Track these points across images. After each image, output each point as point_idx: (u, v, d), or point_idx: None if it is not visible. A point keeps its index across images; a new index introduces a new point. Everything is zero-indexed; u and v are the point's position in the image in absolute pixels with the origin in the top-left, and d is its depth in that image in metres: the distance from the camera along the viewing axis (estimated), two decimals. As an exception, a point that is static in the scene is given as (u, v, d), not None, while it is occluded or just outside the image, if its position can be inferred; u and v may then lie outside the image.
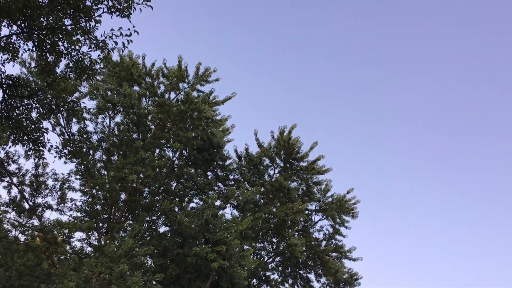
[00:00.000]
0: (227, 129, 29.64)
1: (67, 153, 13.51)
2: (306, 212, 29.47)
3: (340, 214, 29.46)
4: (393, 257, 77.31)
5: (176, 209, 25.40)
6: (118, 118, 26.54)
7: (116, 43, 10.66)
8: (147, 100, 26.65)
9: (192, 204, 27.79)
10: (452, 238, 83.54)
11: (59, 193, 25.29)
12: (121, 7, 10.53)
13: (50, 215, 50.23)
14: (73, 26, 10.71)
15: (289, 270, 28.50)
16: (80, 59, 11.17)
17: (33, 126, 12.08)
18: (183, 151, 28.11)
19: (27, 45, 11.10)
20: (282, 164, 29.81)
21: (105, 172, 24.80)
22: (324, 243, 29.36)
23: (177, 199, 26.77)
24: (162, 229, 26.64)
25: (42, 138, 12.23)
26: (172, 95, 26.64)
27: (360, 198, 29.93)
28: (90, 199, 24.18)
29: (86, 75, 11.63)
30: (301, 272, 28.61)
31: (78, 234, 26.44)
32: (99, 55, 11.08)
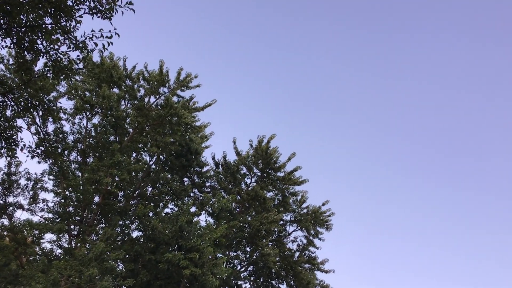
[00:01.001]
0: (206, 136, 29.56)
1: (40, 152, 13.24)
2: (281, 222, 29.52)
3: (315, 226, 29.57)
4: (365, 270, 77.87)
5: (151, 214, 25.13)
6: (95, 120, 26.24)
7: (96, 44, 10.56)
8: (126, 103, 26.42)
9: (167, 210, 27.57)
10: (425, 253, 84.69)
11: (31, 193, 24.87)
12: (103, 8, 10.45)
13: (21, 215, 49.19)
14: (53, 25, 10.58)
15: (262, 280, 28.42)
16: (59, 58, 11.01)
17: (7, 124, 11.87)
18: (160, 156, 27.90)
19: (5, 41, 10.92)
20: (259, 174, 29.85)
21: (80, 174, 24.47)
22: (297, 254, 29.39)
23: (152, 204, 26.47)
24: (135, 234, 26.41)
25: (15, 136, 12.01)
26: (152, 99, 26.50)
27: (335, 210, 30.14)
28: (62, 201, 23.78)
29: (64, 75, 11.47)
30: (273, 282, 28.54)
31: (49, 236, 25.95)
32: (78, 56, 10.96)
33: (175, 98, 26.61)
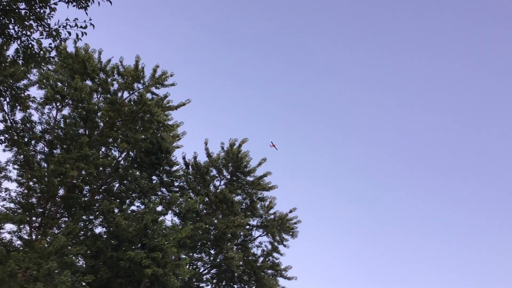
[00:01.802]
0: (178, 135, 29.29)
1: (4, 140, 12.87)
2: (247, 226, 29.47)
3: (281, 232, 29.61)
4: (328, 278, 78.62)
5: (116, 210, 24.76)
6: (65, 111, 25.74)
7: (69, 33, 10.35)
8: (98, 96, 25.99)
9: (133, 207, 27.13)
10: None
11: (-7, 181, 24.14)
12: (79, -2, 10.26)
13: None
14: (27, 11, 10.34)
15: (224, 283, 28.30)
16: (30, 45, 10.76)
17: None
18: (130, 152, 27.55)
19: (-25, 23, 10.61)
20: (228, 177, 29.76)
21: (45, 165, 23.93)
22: (261, 259, 29.37)
23: (118, 200, 26.10)
24: (98, 230, 25.92)
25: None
26: (126, 94, 26.17)
27: (302, 218, 30.26)
28: (26, 191, 23.24)
29: (35, 62, 11.21)
30: (236, 286, 28.47)
31: (9, 226, 25.33)
32: (50, 44, 10.72)
33: (149, 95, 26.32)
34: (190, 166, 29.78)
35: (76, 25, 10.27)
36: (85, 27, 10.30)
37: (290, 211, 30.03)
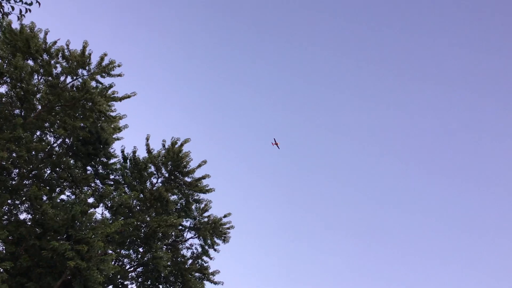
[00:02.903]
0: (119, 128, 28.56)
1: None
2: (180, 227, 29.15)
3: (213, 236, 29.47)
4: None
5: (44, 198, 23.85)
6: (2, 89, 24.57)
7: (13, 8, 9.90)
8: (39, 78, 24.98)
9: (62, 196, 26.18)
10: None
11: None
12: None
13: None
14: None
15: (149, 282, 27.74)
16: (-31, 15, 10.20)
17: None
18: (66, 140, 26.62)
19: None
20: (167, 175, 29.35)
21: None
22: (190, 261, 29.08)
23: (47, 187, 25.07)
24: (23, 216, 24.78)
25: None
26: (69, 79, 25.32)
27: (236, 225, 30.24)
28: None
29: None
30: (161, 286, 27.97)
31: None
32: (-9, 16, 10.20)
33: (93, 83, 25.59)
34: (128, 161, 29.11)
35: (21, 0, 9.83)
36: (31, 3, 9.89)
37: (225, 216, 29.95)
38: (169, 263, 27.05)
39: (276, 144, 71.31)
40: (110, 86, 25.88)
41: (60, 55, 24.87)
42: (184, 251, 29.81)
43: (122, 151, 29.06)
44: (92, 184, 27.62)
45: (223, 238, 29.67)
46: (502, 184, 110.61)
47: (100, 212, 26.45)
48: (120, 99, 26.58)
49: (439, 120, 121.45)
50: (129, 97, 26.77)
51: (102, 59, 25.35)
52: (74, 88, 25.09)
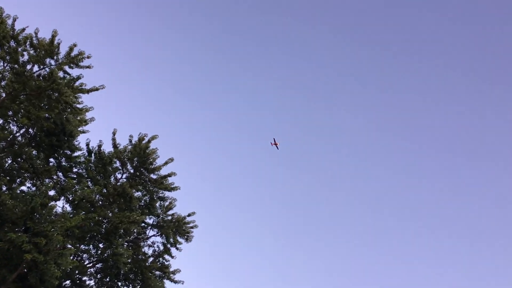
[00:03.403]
0: (85, 120, 27.98)
1: None
2: (142, 224, 28.81)
3: (175, 235, 29.23)
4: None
5: (4, 188, 23.20)
6: (-35, 74, 23.80)
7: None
8: (4, 65, 24.30)
9: (23, 188, 25.53)
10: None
11: None
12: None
13: None
14: None
15: (108, 279, 27.32)
16: None
17: None
18: (30, 130, 25.95)
19: None
20: (132, 171, 28.95)
21: None
22: (151, 259, 28.76)
23: (7, 178, 24.39)
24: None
25: None
26: (36, 68, 24.73)
27: (199, 224, 30.07)
28: None
29: None
30: (120, 283, 27.56)
31: None
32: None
33: (61, 74, 25.07)
34: (93, 154, 28.58)
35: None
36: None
37: (189, 215, 29.76)
38: (129, 260, 26.66)
39: (276, 144, 69.86)
40: (78, 78, 25.40)
41: (28, 43, 24.26)
42: (145, 249, 29.49)
43: (87, 144, 28.53)
44: (54, 177, 26.97)
45: (186, 237, 29.47)
46: (502, 184, 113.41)
47: (60, 206, 25.83)
48: (88, 91, 26.11)
49: (439, 120, 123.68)
50: (97, 89, 26.32)
51: (71, 49, 24.86)
52: (41, 78, 24.52)
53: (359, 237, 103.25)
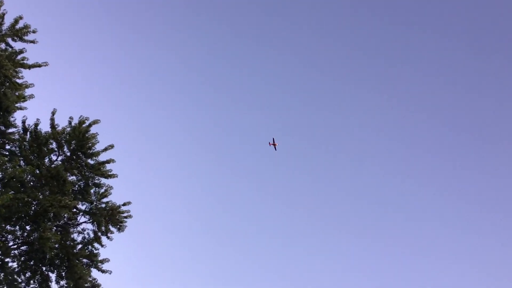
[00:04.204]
0: (24, 97, 26.89)
1: None
2: (74, 210, 27.94)
3: (108, 223, 28.55)
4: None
5: None
6: None
7: None
8: None
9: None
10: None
11: None
12: None
13: None
14: None
15: (32, 263, 26.34)
16: None
17: None
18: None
19: None
20: (68, 154, 28.08)
21: None
22: (80, 246, 27.94)
23: None
24: None
25: None
26: (-25, 37, 23.52)
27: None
28: None
29: None
30: (44, 268, 26.64)
31: None
32: None
33: (3, 45, 24.01)
34: (28, 133, 27.47)
35: None
36: None
37: (124, 204, 29.09)
38: (56, 246, 25.81)
39: (274, 144, 68.21)
40: (21, 52, 24.43)
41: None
42: (75, 235, 28.58)
43: (23, 122, 27.39)
44: (-15, 153, 25.78)
45: (118, 226, 28.82)
46: (503, 184, 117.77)
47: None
48: (30, 66, 25.18)
49: (439, 120, 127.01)
50: (39, 66, 25.42)
51: (16, 21, 23.88)
52: (-20, 47, 23.40)
53: (359, 237, 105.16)
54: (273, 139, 70.54)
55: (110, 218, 28.51)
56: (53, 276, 26.94)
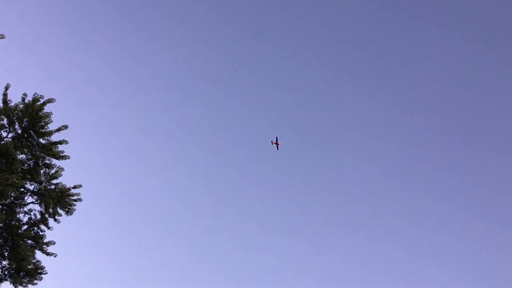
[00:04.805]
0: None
1: None
2: (22, 189, 27.10)
3: (56, 206, 27.84)
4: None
5: None
6: None
7: None
8: None
9: None
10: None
11: None
12: None
13: None
14: None
15: (-27, 242, 25.43)
16: None
17: None
18: None
19: None
20: (20, 131, 27.16)
21: None
22: (25, 227, 27.15)
23: None
24: None
25: None
26: None
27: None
28: None
29: None
30: (-14, 247, 25.77)
31: None
32: None
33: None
34: (-21, 108, 26.41)
35: None
36: None
37: (75, 187, 28.39)
38: (1, 225, 25.05)
39: (277, 144, 66.41)
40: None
41: None
42: (21, 216, 27.74)
43: (-27, 95, 26.32)
44: None
45: (67, 209, 28.15)
46: (502, 184, 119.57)
47: None
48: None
49: (439, 120, 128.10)
50: (-2, 37, 24.45)
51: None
52: None
53: (359, 237, 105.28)
54: (276, 138, 69.59)
55: (59, 200, 27.79)
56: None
